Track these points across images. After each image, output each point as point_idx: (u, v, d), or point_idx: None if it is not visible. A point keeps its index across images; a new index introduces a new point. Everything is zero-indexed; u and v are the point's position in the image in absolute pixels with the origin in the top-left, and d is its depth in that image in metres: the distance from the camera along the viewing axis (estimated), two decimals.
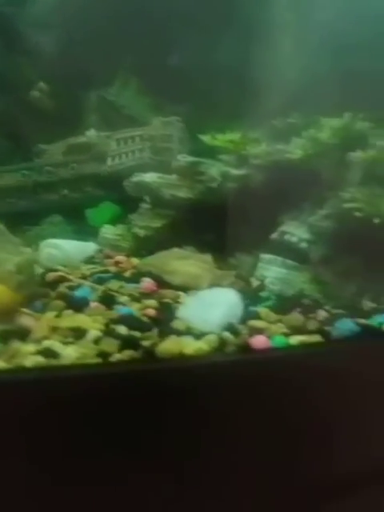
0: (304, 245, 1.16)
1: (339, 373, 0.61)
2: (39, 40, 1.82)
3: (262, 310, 0.82)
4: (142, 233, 1.44)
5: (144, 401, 0.45)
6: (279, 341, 0.62)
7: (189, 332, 0.61)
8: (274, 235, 1.21)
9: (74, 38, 1.82)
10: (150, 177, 1.48)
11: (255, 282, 1.14)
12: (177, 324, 0.64)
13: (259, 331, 0.64)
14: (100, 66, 1.81)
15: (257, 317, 0.73)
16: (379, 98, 1.23)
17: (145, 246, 1.38)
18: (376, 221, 0.85)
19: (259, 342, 0.60)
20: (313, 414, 0.58)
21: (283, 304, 0.94)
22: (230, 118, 1.59)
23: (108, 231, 1.47)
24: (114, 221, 1.54)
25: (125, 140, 1.75)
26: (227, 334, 0.61)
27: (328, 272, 1.04)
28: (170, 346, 0.53)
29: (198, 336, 0.59)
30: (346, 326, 0.71)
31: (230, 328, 0.63)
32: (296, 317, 0.77)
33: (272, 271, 1.18)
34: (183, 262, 1.16)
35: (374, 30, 1.52)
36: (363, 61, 1.54)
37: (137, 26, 1.88)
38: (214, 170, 1.45)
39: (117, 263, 1.21)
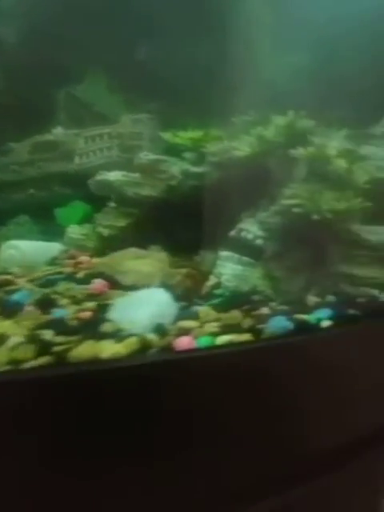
0: (259, 241, 1.17)
1: (268, 370, 0.62)
2: (3, 33, 1.79)
3: (203, 308, 0.82)
4: (106, 232, 1.44)
5: (52, 407, 0.46)
6: (205, 341, 0.63)
7: (116, 334, 0.62)
8: (233, 232, 1.23)
9: (40, 33, 1.81)
10: (113, 175, 1.49)
11: (214, 280, 1.15)
12: (106, 326, 0.65)
13: (187, 332, 0.65)
14: (69, 62, 1.80)
15: (194, 316, 0.74)
16: (327, 97, 1.25)
17: (109, 246, 1.38)
18: (316, 217, 0.86)
19: (183, 343, 0.61)
20: (237, 413, 0.59)
21: (234, 301, 0.95)
22: (201, 115, 1.60)
23: (74, 231, 1.47)
24: (85, 220, 1.54)
25: (93, 138, 1.74)
26: (152, 336, 0.62)
27: (278, 268, 1.06)
28: (83, 350, 0.54)
29: (122, 338, 0.60)
30: (279, 323, 0.72)
31: (158, 329, 0.64)
32: (234, 315, 0.78)
33: (228, 268, 1.20)
34: (138, 262, 1.17)
35: (333, 32, 1.53)
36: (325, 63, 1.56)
37: (106, 22, 1.87)
38: (175, 168, 1.45)
39: (77, 264, 1.21)
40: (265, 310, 0.87)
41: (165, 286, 0.98)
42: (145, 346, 0.58)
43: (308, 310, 0.89)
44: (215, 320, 0.74)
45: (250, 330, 0.69)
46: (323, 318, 0.83)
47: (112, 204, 1.47)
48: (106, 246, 1.39)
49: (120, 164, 1.61)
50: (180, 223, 1.39)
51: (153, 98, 1.82)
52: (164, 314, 0.67)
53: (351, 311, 0.89)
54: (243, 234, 1.21)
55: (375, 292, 0.95)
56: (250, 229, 1.20)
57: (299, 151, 0.91)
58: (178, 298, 0.92)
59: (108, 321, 0.66)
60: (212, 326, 0.69)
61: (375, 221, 0.95)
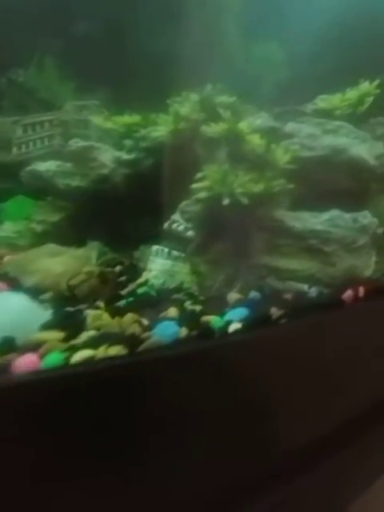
0: (191, 233, 1.06)
1: (127, 396, 0.50)
2: None
3: (95, 313, 0.71)
4: (39, 228, 1.33)
5: None
6: (54, 359, 0.51)
7: None
8: (166, 225, 1.12)
9: None
10: (45, 165, 1.37)
11: (145, 276, 1.06)
12: None
13: (37, 347, 0.53)
14: (9, 45, 1.67)
15: (69, 324, 0.62)
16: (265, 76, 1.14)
17: (43, 243, 1.26)
18: (227, 200, 0.74)
19: (25, 362, 0.49)
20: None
21: (144, 302, 0.85)
22: (148, 100, 1.48)
23: (6, 228, 1.36)
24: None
25: (33, 126, 1.61)
26: None
27: (203, 261, 0.95)
28: None
29: None
30: (166, 330, 0.61)
31: (4, 344, 0.52)
32: (125, 320, 0.67)
33: (157, 263, 1.09)
34: (52, 260, 1.05)
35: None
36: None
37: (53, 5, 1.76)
38: (106, 155, 1.34)
39: None
40: (172, 312, 0.76)
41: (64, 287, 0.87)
42: None
43: (223, 309, 0.78)
44: (95, 328, 0.62)
45: (129, 339, 0.57)
46: (234, 320, 0.71)
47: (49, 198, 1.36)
48: (40, 243, 1.28)
49: (62, 154, 1.48)
50: (115, 216, 1.27)
51: (102, 83, 1.70)
52: (14, 324, 0.55)
53: (275, 310, 0.78)
54: (174, 226, 1.10)
55: (303, 286, 0.83)
56: (181, 220, 1.09)
57: (211, 128, 0.79)
58: (71, 301, 0.81)
59: None
60: (82, 338, 0.58)
61: (301, 206, 0.83)
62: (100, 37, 1.81)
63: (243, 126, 0.77)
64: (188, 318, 0.70)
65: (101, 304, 0.81)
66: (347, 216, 0.82)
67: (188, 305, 0.81)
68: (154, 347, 0.53)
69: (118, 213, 1.28)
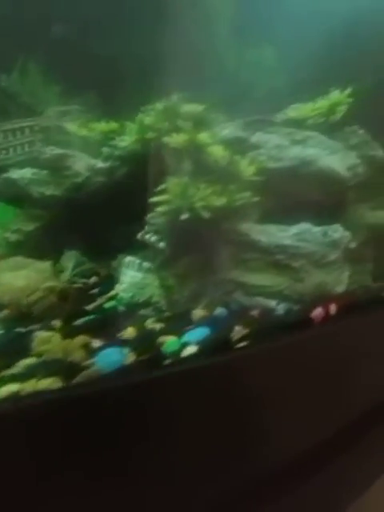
0: (163, 245, 1.02)
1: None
2: None
3: (46, 334, 0.67)
4: (13, 238, 1.29)
5: None
6: None
7: None
8: (139, 235, 1.08)
9: None
10: (19, 173, 1.34)
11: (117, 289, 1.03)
12: None
13: None
14: None
15: (16, 349, 0.58)
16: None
17: (17, 253, 1.23)
18: (185, 215, 0.70)
19: None
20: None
21: (109, 320, 0.81)
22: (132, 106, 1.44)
23: None
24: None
25: (13, 132, 1.58)
26: None
27: (171, 275, 0.91)
28: None
29: None
30: (108, 358, 0.57)
31: None
32: (72, 343, 0.63)
33: (128, 276, 1.05)
34: (15, 274, 1.01)
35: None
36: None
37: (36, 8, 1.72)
38: (80, 163, 1.30)
39: None
40: (129, 332, 0.72)
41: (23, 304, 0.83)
42: None
43: (185, 327, 0.74)
44: (37, 354, 0.58)
45: (67, 369, 0.53)
46: (191, 342, 0.67)
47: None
48: (14, 253, 1.24)
49: (39, 161, 1.44)
50: (91, 225, 1.24)
51: (86, 88, 1.67)
52: None
53: (239, 328, 0.74)
54: (147, 236, 1.06)
55: (271, 303, 0.79)
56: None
57: (173, 139, 0.75)
58: (25, 321, 0.77)
59: None
60: (16, 368, 0.53)
61: (269, 219, 0.79)
62: (85, 40, 1.77)
63: (205, 137, 0.73)
64: (143, 340, 0.66)
65: (58, 323, 0.77)
66: (316, 230, 0.78)
67: (149, 323, 0.77)
68: (88, 381, 0.49)
69: (94, 222, 1.24)
